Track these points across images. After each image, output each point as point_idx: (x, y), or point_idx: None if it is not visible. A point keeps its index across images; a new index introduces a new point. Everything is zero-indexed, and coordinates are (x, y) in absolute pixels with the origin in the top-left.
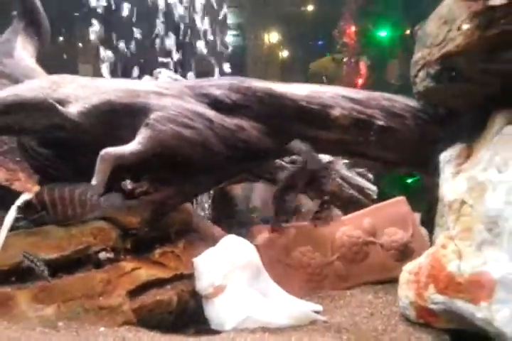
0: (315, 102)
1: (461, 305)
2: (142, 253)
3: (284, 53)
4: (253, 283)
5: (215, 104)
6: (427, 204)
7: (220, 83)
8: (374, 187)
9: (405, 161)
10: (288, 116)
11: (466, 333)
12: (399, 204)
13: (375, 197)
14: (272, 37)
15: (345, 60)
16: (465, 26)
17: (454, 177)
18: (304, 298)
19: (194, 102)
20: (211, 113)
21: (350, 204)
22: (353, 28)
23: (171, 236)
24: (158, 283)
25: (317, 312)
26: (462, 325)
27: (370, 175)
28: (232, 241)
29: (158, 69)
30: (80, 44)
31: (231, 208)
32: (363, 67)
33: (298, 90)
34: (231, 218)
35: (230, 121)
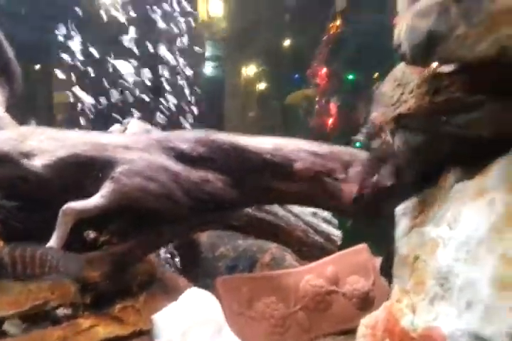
0: (279, 155)
1: None
2: (102, 307)
3: (261, 85)
4: (214, 339)
5: (182, 157)
6: (385, 254)
7: (187, 137)
8: (339, 233)
9: (362, 212)
10: (252, 168)
11: None
12: (360, 251)
13: (339, 242)
14: (250, 69)
15: (317, 99)
16: (416, 91)
17: (409, 231)
18: None
19: (161, 156)
20: (177, 166)
21: (316, 250)
22: (324, 70)
23: (133, 289)
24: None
25: None
26: None
27: (335, 221)
28: (193, 295)
29: (127, 119)
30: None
31: (197, 256)
32: (333, 107)
33: (262, 143)
34: (197, 267)
35: (195, 174)
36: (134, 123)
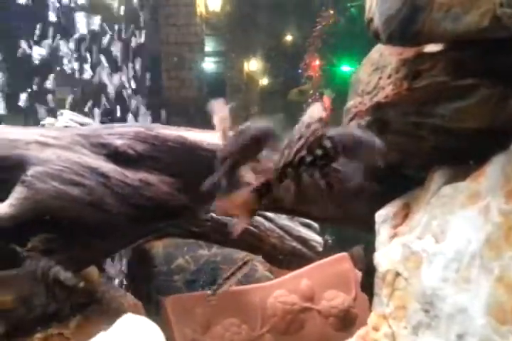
0: None
1: None
2: (21, 337)
3: (264, 81)
4: None
5: (116, 156)
6: (365, 267)
7: (123, 131)
8: (319, 239)
9: (342, 218)
10: (204, 168)
11: None
12: (340, 262)
13: (320, 249)
14: (252, 65)
15: (311, 92)
16: (394, 75)
17: (390, 241)
18: None
19: (88, 154)
20: (109, 167)
21: (294, 257)
22: (317, 62)
23: (64, 312)
24: None
25: None
26: None
27: (316, 225)
28: (128, 322)
29: (61, 111)
30: None
31: (149, 270)
32: (326, 100)
33: (215, 139)
34: (149, 283)
35: (133, 176)
36: (66, 116)
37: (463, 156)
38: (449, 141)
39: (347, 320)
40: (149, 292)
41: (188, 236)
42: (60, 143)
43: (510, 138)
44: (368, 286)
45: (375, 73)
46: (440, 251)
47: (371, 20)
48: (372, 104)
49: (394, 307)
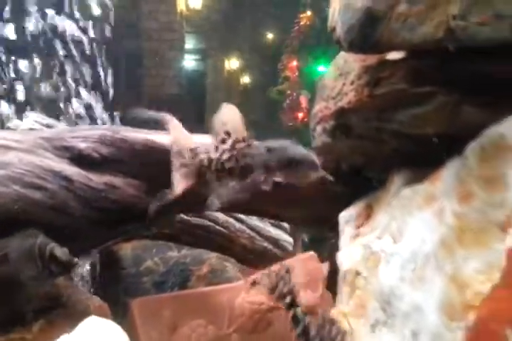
0: None
1: None
2: None
3: (245, 79)
4: None
5: (79, 159)
6: (329, 267)
7: (87, 134)
8: (290, 239)
9: (307, 220)
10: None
11: None
12: (308, 261)
13: (291, 249)
14: (233, 63)
15: (288, 92)
16: (357, 82)
17: (352, 242)
18: None
19: (51, 157)
20: (72, 170)
21: (264, 258)
22: (294, 62)
23: (26, 317)
24: None
25: None
26: None
27: (286, 226)
28: (92, 324)
29: (26, 113)
30: None
31: (117, 273)
32: (303, 100)
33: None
34: (117, 285)
35: (97, 180)
36: (31, 118)
37: (422, 160)
38: (409, 145)
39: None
40: (117, 294)
41: (158, 238)
42: (22, 147)
43: (465, 143)
44: (332, 284)
45: (339, 79)
46: (397, 251)
47: (334, 28)
48: (337, 109)
49: (354, 305)
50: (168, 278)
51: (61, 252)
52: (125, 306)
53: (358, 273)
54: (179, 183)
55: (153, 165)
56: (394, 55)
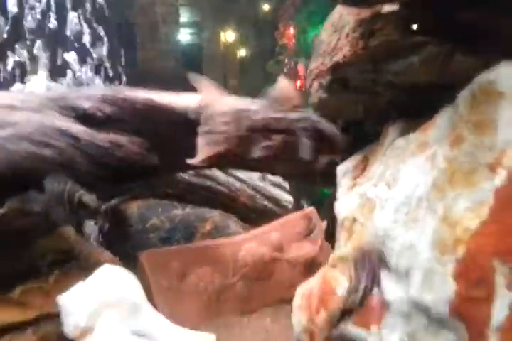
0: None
1: (354, 331)
2: (2, 292)
3: (242, 52)
4: (129, 321)
5: (85, 118)
6: (328, 217)
7: (90, 94)
8: (290, 198)
9: (302, 173)
10: (174, 130)
11: None
12: (307, 216)
13: (290, 207)
14: (229, 36)
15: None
16: (351, 35)
17: (349, 192)
18: (199, 327)
19: (57, 117)
20: (78, 129)
21: (265, 216)
22: (291, 30)
23: (41, 269)
24: (17, 327)
25: None
26: None
27: (285, 185)
28: (106, 272)
29: (30, 76)
30: None
31: (125, 230)
32: (301, 68)
33: (185, 102)
34: (125, 241)
35: (102, 138)
36: (35, 81)
37: (415, 111)
38: (402, 96)
39: (313, 268)
40: (125, 250)
41: (163, 197)
42: (29, 106)
43: (456, 92)
44: (331, 236)
45: (334, 34)
46: (391, 196)
47: None
48: (332, 64)
49: (351, 248)
50: (174, 234)
51: (89, 199)
52: (133, 261)
53: (354, 220)
54: (203, 149)
55: (153, 123)
56: (388, 8)
